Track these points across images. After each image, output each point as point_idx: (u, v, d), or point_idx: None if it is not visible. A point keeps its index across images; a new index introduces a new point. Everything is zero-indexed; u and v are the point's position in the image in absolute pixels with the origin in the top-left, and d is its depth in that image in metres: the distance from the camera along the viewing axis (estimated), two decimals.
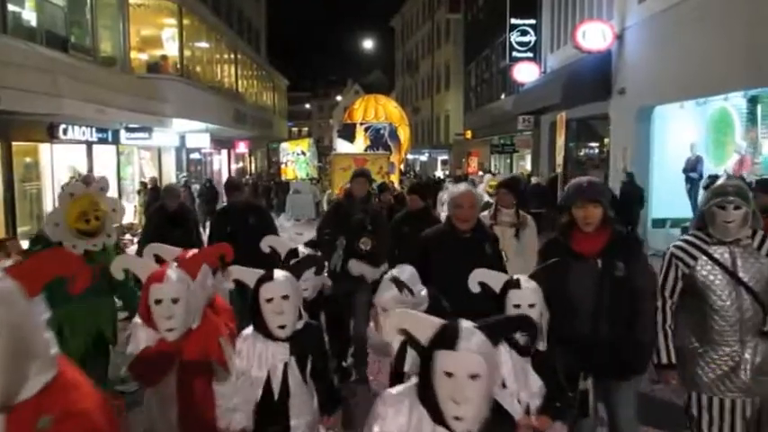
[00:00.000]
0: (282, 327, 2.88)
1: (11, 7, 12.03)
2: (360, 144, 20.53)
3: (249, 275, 3.15)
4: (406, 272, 3.00)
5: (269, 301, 2.87)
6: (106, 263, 3.74)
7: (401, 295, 2.84)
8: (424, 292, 3.01)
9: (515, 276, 2.92)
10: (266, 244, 4.22)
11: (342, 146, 21.05)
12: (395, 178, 18.03)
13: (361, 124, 21.28)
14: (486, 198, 9.30)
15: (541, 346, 2.76)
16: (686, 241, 3.37)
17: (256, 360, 2.94)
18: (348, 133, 21.15)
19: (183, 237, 5.72)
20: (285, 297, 2.88)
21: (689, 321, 3.27)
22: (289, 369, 2.94)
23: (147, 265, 3.28)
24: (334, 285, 5.44)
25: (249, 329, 3.01)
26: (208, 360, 2.96)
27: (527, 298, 2.80)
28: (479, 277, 3.00)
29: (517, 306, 2.79)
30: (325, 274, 3.90)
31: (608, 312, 3.17)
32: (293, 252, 3.99)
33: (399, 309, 2.38)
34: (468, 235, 3.92)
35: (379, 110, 22.19)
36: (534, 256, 5.67)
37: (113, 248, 4.61)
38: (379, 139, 20.91)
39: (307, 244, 4.04)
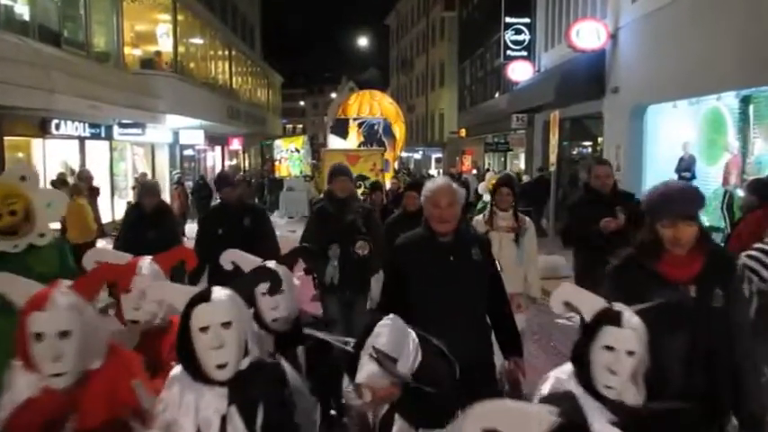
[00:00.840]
0: (222, 366, 2.12)
1: (3, 1, 11.98)
2: (353, 140, 19.80)
3: (176, 294, 2.38)
4: (384, 334, 2.24)
5: (203, 330, 2.11)
6: (40, 268, 3.24)
7: (383, 371, 2.17)
8: (411, 348, 2.26)
9: (617, 306, 2.20)
10: (228, 259, 3.27)
11: (334, 142, 20.31)
12: (389, 176, 17.15)
13: (355, 119, 20.57)
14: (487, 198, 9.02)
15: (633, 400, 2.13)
16: (762, 250, 2.94)
17: (184, 412, 2.17)
18: (341, 129, 20.39)
19: (159, 239, 5.08)
20: (226, 325, 2.12)
21: (763, 350, 2.78)
22: (228, 424, 2.15)
23: (122, 258, 2.96)
24: (328, 301, 5.17)
25: (176, 370, 2.24)
26: (116, 413, 2.19)
27: (627, 341, 2.12)
28: (566, 296, 2.28)
29: (610, 349, 2.10)
30: (284, 294, 2.84)
31: (704, 356, 2.50)
32: (262, 271, 2.91)
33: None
34: (448, 239, 3.16)
35: (375, 106, 21.64)
36: (535, 265, 5.39)
37: (55, 250, 3.92)
38: (372, 135, 20.18)
39: (283, 260, 3.09)
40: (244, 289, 2.44)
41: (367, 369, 2.19)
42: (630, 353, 2.08)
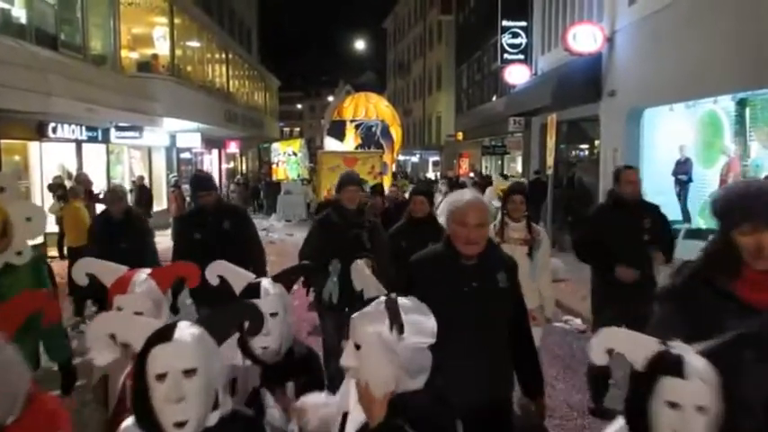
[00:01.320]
0: (181, 424, 1.70)
1: (0, 4, 11.95)
2: (350, 142, 19.34)
3: (131, 328, 1.91)
4: (410, 302, 1.93)
5: (160, 378, 1.70)
6: (15, 292, 2.80)
7: (390, 333, 1.83)
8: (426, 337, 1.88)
9: (675, 347, 1.71)
10: (214, 273, 2.77)
11: (331, 144, 19.83)
12: (388, 180, 16.57)
13: (352, 121, 20.12)
14: (496, 204, 8.57)
15: None
16: None
17: None
18: (338, 131, 19.90)
19: (131, 250, 4.65)
20: (189, 372, 1.71)
21: None
22: None
23: (115, 270, 2.70)
24: (325, 320, 4.92)
25: (128, 421, 1.84)
26: None
27: (695, 395, 1.63)
28: (609, 342, 1.81)
29: (674, 405, 1.63)
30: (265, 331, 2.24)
31: None
32: (252, 289, 2.47)
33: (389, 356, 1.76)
34: (473, 261, 2.78)
35: (370, 108, 21.35)
36: (549, 279, 4.85)
37: (30, 269, 3.61)
38: (370, 138, 19.68)
39: (277, 277, 2.61)
40: (219, 330, 1.88)
41: (372, 324, 1.89)
42: (701, 408, 1.61)
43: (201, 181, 5.33)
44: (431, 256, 2.92)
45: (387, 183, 15.51)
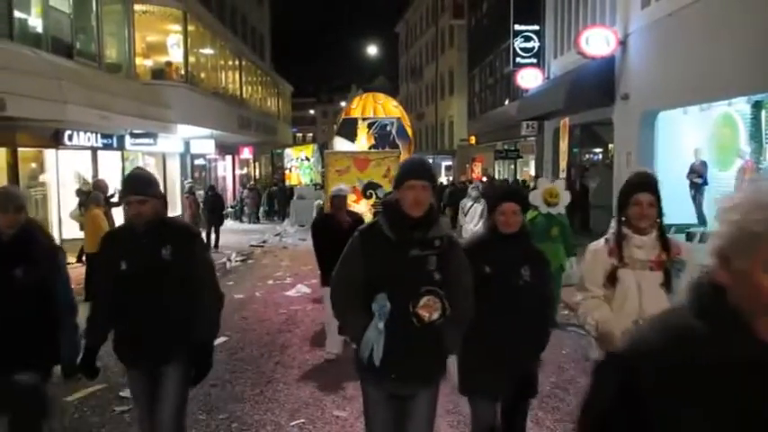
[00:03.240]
0: None
1: (17, 14, 12.11)
2: (363, 143, 17.57)
3: None
4: None
5: None
6: None
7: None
8: None
9: None
10: None
11: (342, 145, 17.86)
12: None
13: (364, 119, 18.18)
14: (544, 209, 8.08)
15: None
16: None
17: None
18: (349, 130, 17.88)
19: (28, 278, 3.41)
20: None
21: None
22: None
23: None
24: (366, 392, 3.17)
25: None
26: None
27: None
28: None
29: None
30: None
31: None
32: None
33: None
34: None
35: (378, 109, 19.57)
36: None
37: None
38: (385, 137, 17.72)
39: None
40: None
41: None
42: None
43: (134, 182, 3.51)
44: None
45: None
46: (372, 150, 15.06)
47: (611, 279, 3.22)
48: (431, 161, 44.99)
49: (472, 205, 12.78)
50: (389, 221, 3.00)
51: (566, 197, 8.41)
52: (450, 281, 2.96)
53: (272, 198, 27.37)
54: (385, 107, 19.89)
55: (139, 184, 3.48)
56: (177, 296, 3.43)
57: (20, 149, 12.24)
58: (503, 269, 3.37)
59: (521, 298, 3.38)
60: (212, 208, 17.32)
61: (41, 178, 13.72)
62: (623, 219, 3.27)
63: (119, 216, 11.23)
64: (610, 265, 3.21)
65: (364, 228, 3.19)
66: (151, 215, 3.46)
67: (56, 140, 13.21)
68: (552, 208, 8.16)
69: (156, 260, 3.41)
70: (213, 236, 16.76)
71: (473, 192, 13.24)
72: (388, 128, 18.10)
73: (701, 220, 12.22)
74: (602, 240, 3.33)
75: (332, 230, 6.49)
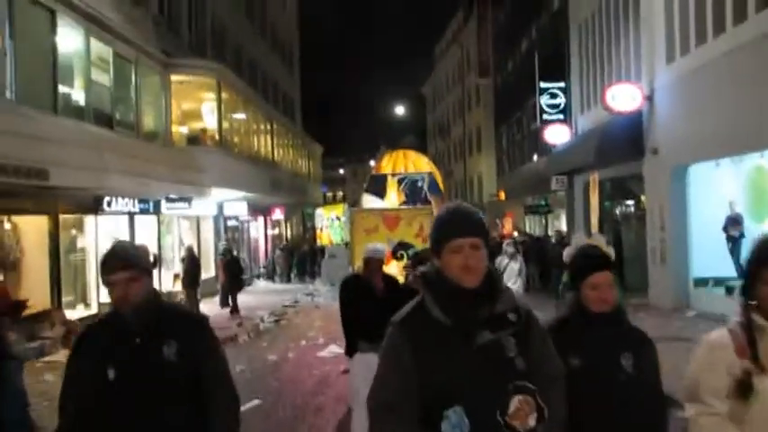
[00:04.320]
0: None
1: (61, 88, 12.71)
2: (393, 200, 16.19)
3: None
4: None
5: None
6: None
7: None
8: None
9: None
10: None
11: (371, 203, 16.62)
12: None
13: (394, 175, 17.07)
14: None
15: None
16: None
17: None
18: (378, 187, 16.71)
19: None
20: None
21: None
22: None
23: None
24: None
25: None
26: None
27: None
28: None
29: None
30: None
31: None
32: None
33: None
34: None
35: (409, 165, 19.02)
36: None
37: None
38: (416, 193, 16.28)
39: None
40: None
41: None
42: None
43: (119, 253, 2.59)
44: None
45: None
46: (403, 207, 13.72)
47: (743, 390, 2.17)
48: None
49: (508, 263, 12.23)
50: (438, 301, 2.10)
51: (609, 254, 8.09)
52: (536, 369, 2.08)
53: (303, 258, 27.58)
54: (416, 164, 19.14)
55: (126, 256, 2.58)
56: (184, 410, 2.53)
57: (61, 216, 12.64)
58: (596, 360, 2.51)
59: (622, 396, 2.48)
60: (231, 272, 17.01)
61: (81, 244, 14.09)
62: (753, 302, 2.27)
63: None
64: (739, 368, 2.19)
65: (404, 316, 2.16)
66: (144, 299, 2.55)
67: (95, 207, 13.61)
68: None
69: (157, 363, 2.49)
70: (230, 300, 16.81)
71: (509, 248, 12.67)
72: (419, 183, 16.84)
73: (740, 272, 11.94)
74: (723, 331, 2.29)
75: (364, 294, 5.91)
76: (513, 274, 12.26)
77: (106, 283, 2.57)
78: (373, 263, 5.97)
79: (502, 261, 12.34)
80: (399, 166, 18.76)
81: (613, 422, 2.48)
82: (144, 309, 2.54)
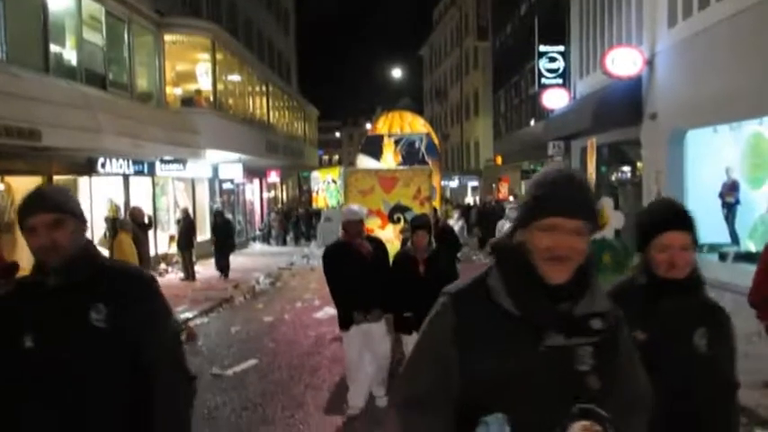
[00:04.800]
0: None
1: (53, 48, 12.50)
2: (389, 161, 15.63)
3: None
4: None
5: None
6: None
7: None
8: None
9: None
10: None
11: (366, 164, 15.94)
12: (437, 205, 13.08)
13: (390, 136, 16.57)
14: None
15: None
16: None
17: None
18: (373, 147, 16.17)
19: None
20: None
21: None
22: None
23: None
24: None
25: None
26: None
27: None
28: None
29: None
30: None
31: None
32: None
33: None
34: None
35: (405, 127, 18.05)
36: None
37: None
38: (413, 155, 15.85)
39: None
40: None
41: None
42: None
43: (39, 197, 2.15)
44: None
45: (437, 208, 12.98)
46: (400, 168, 13.24)
47: None
48: (456, 182, 45.06)
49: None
50: (508, 283, 1.65)
51: (616, 218, 7.45)
52: (614, 391, 1.63)
53: (296, 221, 27.60)
54: (412, 126, 18.56)
55: (50, 196, 2.13)
56: (118, 391, 2.03)
57: (55, 178, 12.56)
58: (666, 335, 2.13)
59: (692, 378, 2.13)
60: (219, 235, 16.56)
61: None
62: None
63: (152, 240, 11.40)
64: None
65: (459, 290, 1.72)
66: (71, 248, 2.07)
67: (89, 168, 13.53)
68: (596, 233, 7.66)
69: (83, 330, 2.00)
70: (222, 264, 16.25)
71: (512, 213, 12.19)
72: (417, 144, 16.21)
73: (734, 239, 12.02)
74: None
75: (349, 261, 5.61)
76: None
77: (26, 230, 2.07)
78: (352, 226, 5.66)
79: (503, 225, 12.11)
80: (396, 128, 17.88)
81: (680, 406, 2.10)
82: (73, 261, 2.06)
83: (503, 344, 1.60)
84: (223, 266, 16.18)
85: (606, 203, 7.53)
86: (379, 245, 5.93)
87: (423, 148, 15.97)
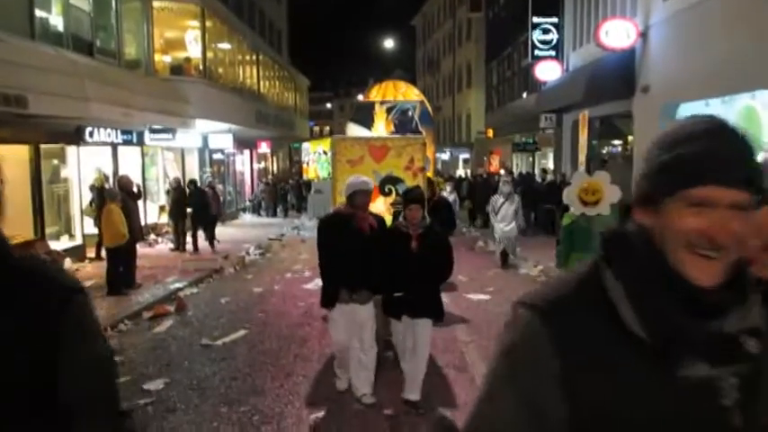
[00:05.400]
0: None
1: (38, 13, 12.25)
2: (381, 130, 14.61)
3: None
4: None
5: None
6: None
7: None
8: None
9: None
10: None
11: (356, 133, 14.87)
12: (430, 176, 11.67)
13: (382, 103, 15.44)
14: (578, 209, 6.78)
15: None
16: None
17: None
18: (364, 115, 14.95)
19: None
20: None
21: None
22: None
23: None
24: None
25: None
26: None
27: None
28: None
29: None
30: None
31: None
32: None
33: None
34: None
35: (399, 97, 18.01)
36: None
37: None
38: (406, 124, 14.76)
39: None
40: None
41: None
42: None
43: None
44: None
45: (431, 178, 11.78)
46: (391, 136, 12.19)
47: None
48: (448, 154, 44.99)
49: (504, 203, 11.54)
50: (634, 289, 1.14)
51: (612, 193, 6.75)
52: (759, 428, 1.18)
53: (285, 194, 27.51)
54: (406, 95, 18.20)
55: None
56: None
57: (42, 146, 12.41)
58: None
59: None
60: (196, 206, 15.39)
61: (63, 174, 13.91)
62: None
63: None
64: None
65: (551, 303, 1.17)
66: None
67: (77, 137, 13.37)
68: (590, 208, 6.72)
69: None
70: (200, 238, 15.53)
71: (505, 188, 11.65)
72: (410, 112, 15.03)
73: None
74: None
75: (347, 234, 5.25)
76: (508, 214, 11.51)
77: None
78: (360, 197, 5.27)
79: (497, 200, 11.77)
80: (389, 97, 17.66)
81: None
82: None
83: (626, 376, 1.12)
84: (209, 239, 15.59)
85: (601, 178, 6.95)
86: (379, 221, 5.56)
87: (416, 117, 14.96)
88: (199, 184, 16.86)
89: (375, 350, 5.58)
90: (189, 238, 15.40)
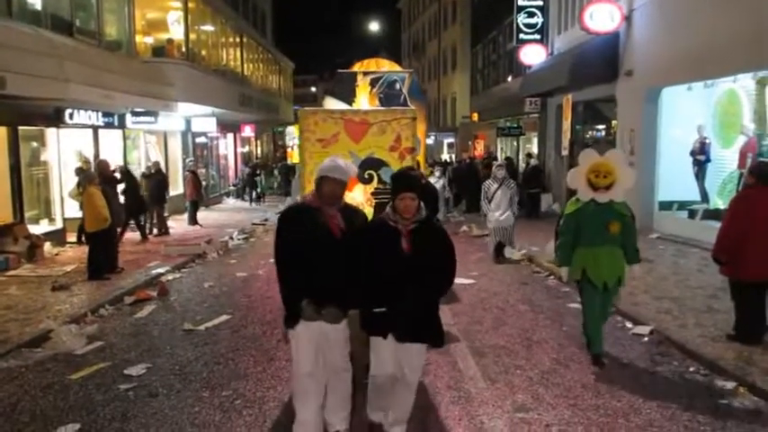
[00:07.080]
0: None
1: None
2: (363, 104, 11.53)
3: None
4: None
5: None
6: None
7: None
8: None
9: None
10: None
11: (332, 107, 11.72)
12: (420, 160, 10.63)
13: (366, 74, 12.66)
14: (586, 195, 5.64)
15: None
16: None
17: None
18: (344, 88, 12.33)
19: None
20: None
21: None
22: None
23: None
24: None
25: None
26: None
27: None
28: None
29: None
30: None
31: None
32: None
33: None
34: None
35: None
36: None
37: None
38: (394, 98, 12.30)
39: None
40: None
41: None
42: None
43: None
44: None
45: (421, 162, 10.71)
46: (373, 109, 9.08)
47: None
48: (432, 138, 44.91)
49: (497, 189, 10.85)
50: None
51: (626, 176, 5.60)
52: None
53: (258, 175, 27.16)
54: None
55: None
56: None
57: (20, 128, 12.20)
58: None
59: None
60: (153, 189, 15.02)
61: (43, 157, 13.70)
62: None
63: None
64: None
65: None
66: None
67: (57, 119, 13.16)
68: (600, 193, 5.54)
69: None
70: (148, 223, 15.10)
71: (499, 172, 10.95)
72: (398, 85, 12.55)
73: (704, 196, 12.21)
74: None
75: (313, 233, 4.02)
76: (503, 201, 10.83)
77: None
78: (329, 186, 4.03)
79: (490, 186, 11.07)
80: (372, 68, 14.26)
81: None
82: None
83: None
84: (160, 226, 15.13)
85: (615, 158, 5.70)
86: (357, 216, 4.26)
87: (405, 90, 12.39)
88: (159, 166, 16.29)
89: (350, 373, 4.31)
90: (170, 222, 15.25)
